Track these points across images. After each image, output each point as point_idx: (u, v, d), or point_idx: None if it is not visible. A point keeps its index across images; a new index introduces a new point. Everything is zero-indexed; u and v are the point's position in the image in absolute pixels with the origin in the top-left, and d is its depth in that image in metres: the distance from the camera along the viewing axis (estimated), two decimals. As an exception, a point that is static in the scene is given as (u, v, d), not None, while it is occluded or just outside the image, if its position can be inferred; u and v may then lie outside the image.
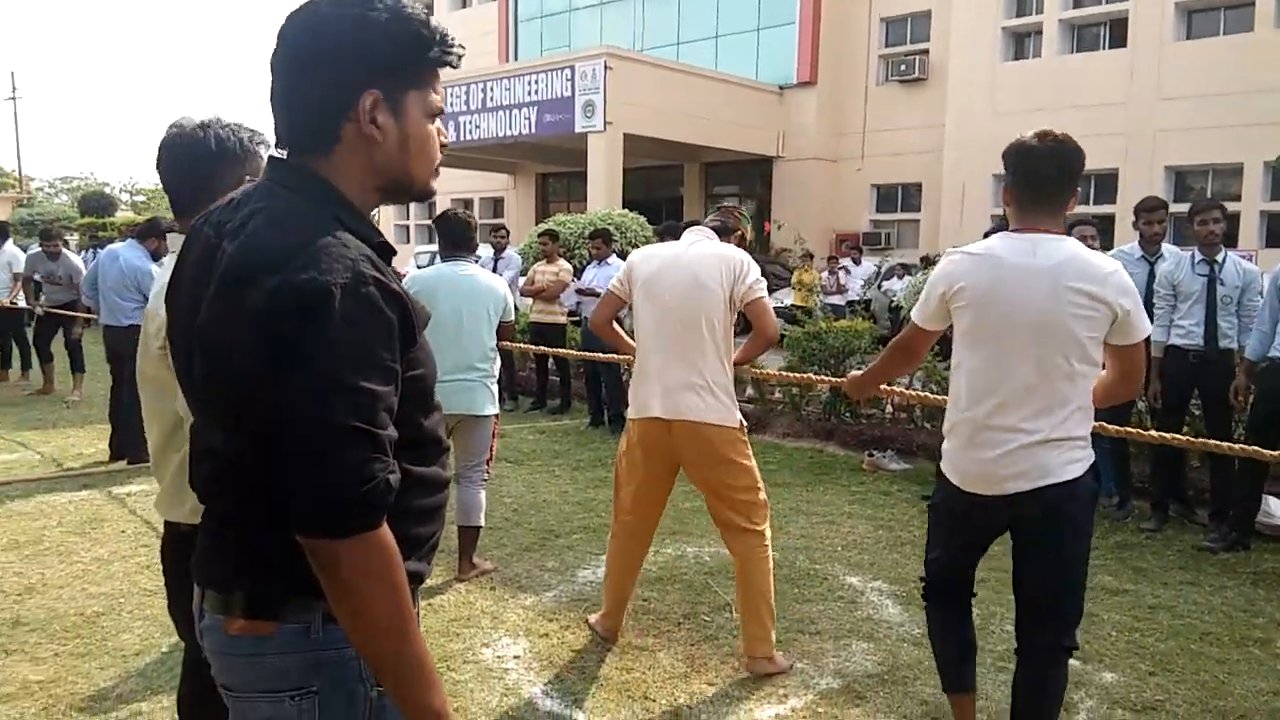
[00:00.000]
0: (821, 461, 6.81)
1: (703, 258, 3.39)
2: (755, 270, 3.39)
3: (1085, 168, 2.55)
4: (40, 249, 9.58)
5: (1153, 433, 4.03)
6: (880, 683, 3.35)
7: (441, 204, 17.27)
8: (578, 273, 9.13)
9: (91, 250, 14.99)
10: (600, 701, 3.21)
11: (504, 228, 10.02)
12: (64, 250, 9.69)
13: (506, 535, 5.00)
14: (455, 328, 4.18)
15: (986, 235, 3.34)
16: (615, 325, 3.74)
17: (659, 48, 20.84)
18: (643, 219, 14.15)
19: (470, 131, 18.41)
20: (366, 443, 1.14)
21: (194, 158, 2.02)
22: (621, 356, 4.32)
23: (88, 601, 4.01)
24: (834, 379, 5.24)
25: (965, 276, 2.50)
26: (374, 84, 1.26)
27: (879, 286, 14.26)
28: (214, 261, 1.22)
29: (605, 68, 16.37)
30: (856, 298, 14.38)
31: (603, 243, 8.45)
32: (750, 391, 8.11)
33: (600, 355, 6.23)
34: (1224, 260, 5.00)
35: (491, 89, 18.00)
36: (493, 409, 4.36)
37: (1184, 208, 5.85)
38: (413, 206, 25.13)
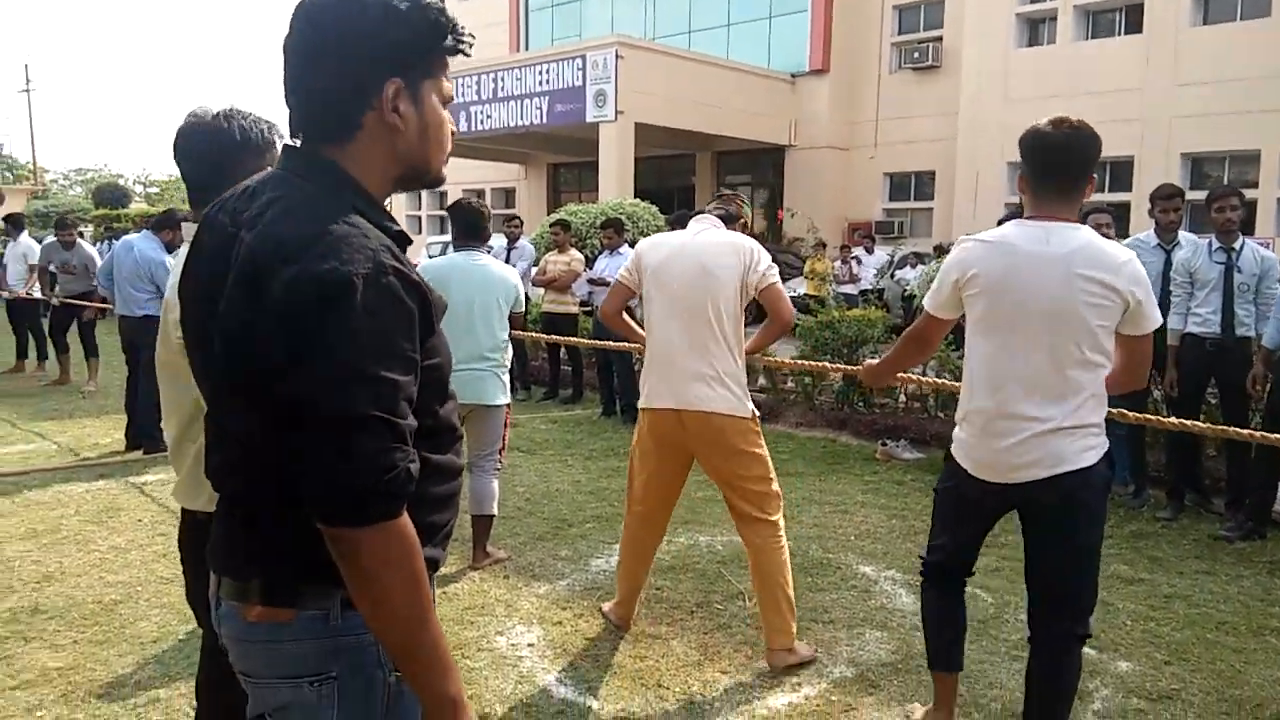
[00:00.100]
0: (834, 451, 6.80)
1: (711, 245, 3.38)
2: (766, 256, 3.39)
3: (1101, 155, 2.53)
4: (55, 238, 9.64)
5: (1171, 419, 4.00)
6: (894, 671, 3.35)
7: (453, 194, 17.28)
8: (589, 262, 9.12)
9: (107, 241, 15.10)
10: (614, 689, 3.22)
11: (518, 218, 10.06)
12: (79, 240, 9.75)
13: (520, 524, 5.02)
14: (467, 317, 4.19)
15: (1000, 223, 3.33)
16: (626, 315, 3.74)
17: (670, 36, 20.75)
18: (654, 208, 14.12)
19: (482, 122, 18.38)
20: (387, 432, 1.15)
21: (218, 147, 2.03)
22: (633, 345, 4.32)
23: (105, 589, 4.05)
24: (848, 367, 5.23)
25: (978, 264, 2.49)
26: (396, 72, 1.26)
27: (892, 275, 14.20)
28: (232, 250, 1.22)
29: (616, 57, 16.30)
30: (869, 287, 14.34)
31: (614, 232, 8.43)
32: (763, 381, 8.11)
33: (612, 344, 6.23)
34: (1241, 248, 4.96)
35: (502, 79, 17.96)
36: (504, 398, 4.38)
37: (1201, 195, 5.80)
38: (425, 197, 25.18)
